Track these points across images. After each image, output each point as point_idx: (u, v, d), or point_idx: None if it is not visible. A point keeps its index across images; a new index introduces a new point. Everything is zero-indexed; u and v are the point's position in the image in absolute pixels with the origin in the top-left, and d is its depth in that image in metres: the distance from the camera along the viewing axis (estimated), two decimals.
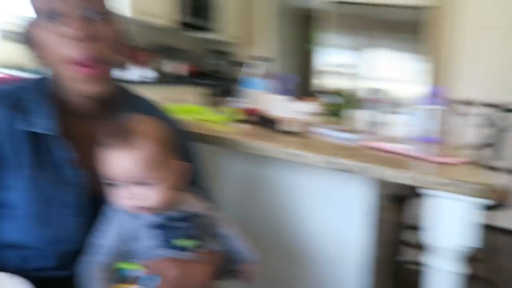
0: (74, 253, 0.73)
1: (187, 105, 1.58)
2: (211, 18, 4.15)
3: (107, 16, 0.69)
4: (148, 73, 3.31)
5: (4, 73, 2.16)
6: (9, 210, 0.73)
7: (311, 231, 1.21)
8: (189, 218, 0.77)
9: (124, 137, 0.69)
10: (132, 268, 0.71)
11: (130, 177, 0.69)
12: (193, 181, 0.89)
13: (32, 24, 0.70)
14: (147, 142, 0.70)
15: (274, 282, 1.27)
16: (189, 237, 0.75)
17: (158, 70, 3.73)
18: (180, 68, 3.91)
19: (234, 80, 4.47)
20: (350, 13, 3.56)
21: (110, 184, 0.70)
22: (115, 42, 0.71)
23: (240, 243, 0.85)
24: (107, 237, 0.71)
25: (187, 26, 3.96)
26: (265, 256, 0.91)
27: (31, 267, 0.73)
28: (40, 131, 0.72)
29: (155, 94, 3.31)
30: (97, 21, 0.67)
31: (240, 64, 4.95)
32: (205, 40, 4.83)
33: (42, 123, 0.72)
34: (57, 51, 0.67)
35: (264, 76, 1.61)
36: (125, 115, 0.78)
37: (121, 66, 0.82)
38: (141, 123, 0.73)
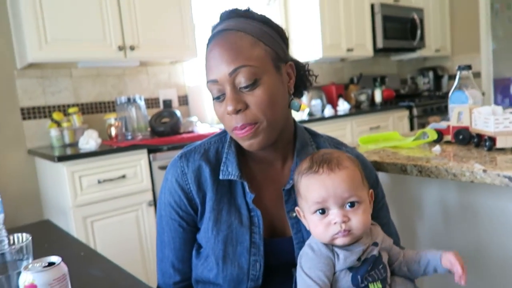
0: None
1: (383, 133, 1.47)
2: (412, 38, 3.88)
3: (254, 85, 0.74)
4: (344, 106, 3.31)
5: (188, 146, 2.55)
6: (202, 250, 0.82)
7: None
8: (379, 257, 0.72)
9: (328, 162, 0.71)
10: None
11: (343, 196, 0.69)
12: (378, 215, 0.85)
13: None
14: (350, 164, 0.72)
15: None
16: (378, 278, 0.70)
17: (355, 100, 3.71)
18: (377, 94, 3.78)
19: (439, 97, 4.03)
20: None
21: (317, 211, 0.70)
22: (265, 103, 0.74)
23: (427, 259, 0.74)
24: (315, 277, 0.68)
25: (385, 51, 3.83)
26: None
27: None
28: (232, 178, 0.80)
29: (352, 125, 3.31)
30: (246, 92, 0.74)
31: (445, 78, 4.44)
32: (406, 61, 4.57)
33: (232, 171, 0.80)
34: (224, 122, 0.78)
35: (471, 87, 1.36)
36: (312, 151, 0.82)
37: (281, 117, 0.82)
38: (334, 152, 0.75)
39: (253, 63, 0.72)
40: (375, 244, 0.71)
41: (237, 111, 0.73)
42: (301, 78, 0.85)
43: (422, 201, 1.16)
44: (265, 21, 0.79)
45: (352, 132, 3.18)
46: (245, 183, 0.79)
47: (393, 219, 0.94)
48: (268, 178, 0.84)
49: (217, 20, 0.81)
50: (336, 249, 0.69)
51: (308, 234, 0.76)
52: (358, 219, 0.68)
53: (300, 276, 0.69)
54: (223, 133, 0.87)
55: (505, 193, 0.96)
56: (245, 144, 0.77)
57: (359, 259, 0.68)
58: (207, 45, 0.78)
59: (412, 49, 4.05)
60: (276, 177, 0.84)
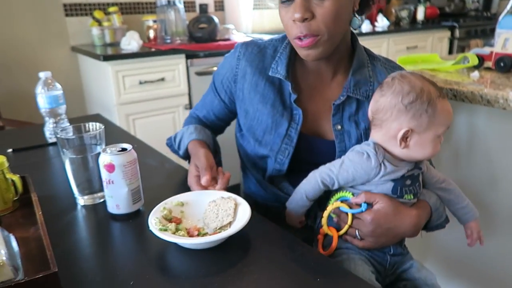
0: (275, 171, 0.90)
1: (422, 55, 1.47)
2: None
3: None
4: (383, 22, 3.19)
5: (255, 38, 2.53)
6: (243, 133, 0.96)
7: None
8: (417, 177, 0.80)
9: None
10: (349, 196, 0.79)
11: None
12: None
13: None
14: None
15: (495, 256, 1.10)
16: (412, 192, 0.79)
17: (396, 17, 3.54)
18: (420, 11, 3.58)
19: (487, 18, 3.78)
20: None
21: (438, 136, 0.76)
22: (330, 16, 0.76)
23: (458, 203, 0.84)
24: (344, 170, 0.77)
25: None
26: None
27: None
28: (279, 77, 0.88)
29: (389, 44, 3.20)
30: (315, 1, 0.75)
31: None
32: None
33: (281, 71, 0.88)
34: (287, 29, 0.81)
35: None
36: (367, 73, 0.86)
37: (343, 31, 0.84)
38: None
39: None
40: (419, 168, 0.80)
41: (303, 19, 0.75)
42: None
43: (451, 126, 1.20)
44: None
45: (388, 50, 3.11)
46: (289, 84, 0.86)
47: None
48: (314, 87, 0.90)
49: None
50: (386, 164, 0.76)
51: (350, 143, 0.85)
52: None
53: (340, 158, 0.79)
54: (286, 36, 0.91)
55: None
56: (302, 53, 0.81)
57: (403, 175, 0.77)
58: None
59: None
60: (322, 88, 0.90)
